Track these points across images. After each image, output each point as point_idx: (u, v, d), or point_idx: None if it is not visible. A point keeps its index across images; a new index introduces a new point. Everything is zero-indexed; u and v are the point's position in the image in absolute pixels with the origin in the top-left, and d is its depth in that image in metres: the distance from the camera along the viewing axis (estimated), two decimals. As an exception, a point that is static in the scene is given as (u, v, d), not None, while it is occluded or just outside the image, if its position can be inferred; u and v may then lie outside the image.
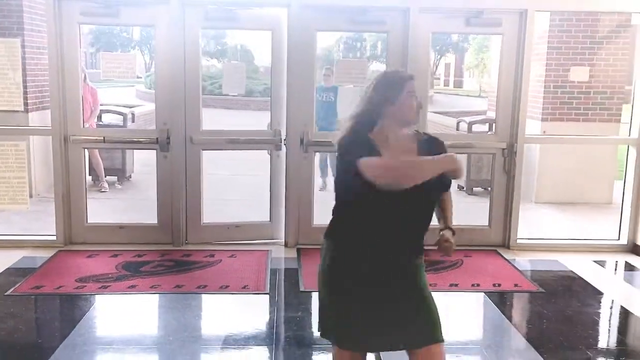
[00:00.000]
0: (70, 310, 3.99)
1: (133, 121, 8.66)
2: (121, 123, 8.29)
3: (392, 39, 5.28)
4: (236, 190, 7.85)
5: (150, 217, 5.49)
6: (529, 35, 5.19)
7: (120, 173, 8.08)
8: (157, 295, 4.25)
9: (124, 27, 33.70)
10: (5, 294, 4.13)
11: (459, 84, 47.01)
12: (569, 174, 7.24)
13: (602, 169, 7.34)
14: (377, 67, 27.76)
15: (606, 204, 7.24)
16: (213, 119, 9.10)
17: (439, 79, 48.85)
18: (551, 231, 6.14)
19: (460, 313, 4.20)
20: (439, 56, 44.96)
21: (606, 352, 3.69)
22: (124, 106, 9.36)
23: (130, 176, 8.33)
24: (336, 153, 2.32)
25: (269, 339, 3.63)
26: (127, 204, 7.19)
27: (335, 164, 2.53)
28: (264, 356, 3.43)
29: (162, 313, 4.07)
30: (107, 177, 7.81)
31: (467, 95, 32.45)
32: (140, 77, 27.95)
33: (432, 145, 2.36)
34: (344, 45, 38.79)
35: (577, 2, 5.61)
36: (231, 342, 3.56)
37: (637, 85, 5.42)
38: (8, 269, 4.64)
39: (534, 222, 6.33)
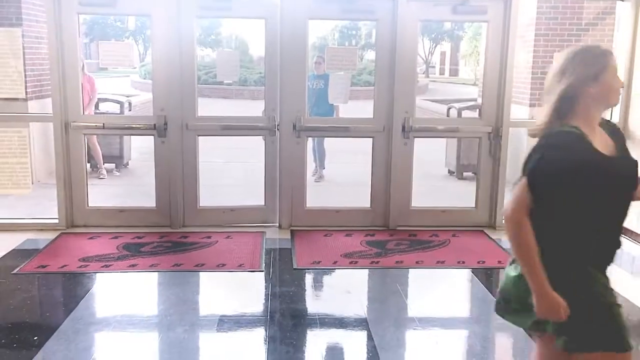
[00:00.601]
0: (74, 287, 4.19)
1: (130, 109, 8.81)
2: (118, 111, 8.45)
3: (381, 27, 5.45)
4: (231, 177, 8.04)
5: (148, 201, 5.68)
6: (514, 22, 5.37)
7: (118, 160, 8.27)
8: (157, 273, 4.45)
9: (118, 17, 33.70)
10: (12, 272, 4.33)
11: (454, 73, 47.09)
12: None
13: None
14: (372, 56, 27.85)
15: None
16: (208, 108, 9.29)
17: (434, 67, 48.93)
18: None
19: (446, 289, 4.41)
20: (434, 45, 45.03)
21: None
22: (121, 95, 9.50)
23: (127, 163, 8.51)
24: (539, 146, 2.05)
25: (264, 312, 3.83)
26: (126, 190, 7.38)
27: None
28: (259, 328, 3.63)
29: (162, 289, 4.27)
30: (105, 164, 7.99)
31: (463, 84, 32.58)
32: (135, 67, 27.98)
33: (614, 130, 2.18)
34: (339, 34, 38.90)
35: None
36: (228, 315, 3.76)
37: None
38: (13, 250, 4.83)
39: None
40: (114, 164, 8.24)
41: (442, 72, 48.78)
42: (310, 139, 6.72)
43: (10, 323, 3.62)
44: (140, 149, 8.80)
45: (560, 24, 7.40)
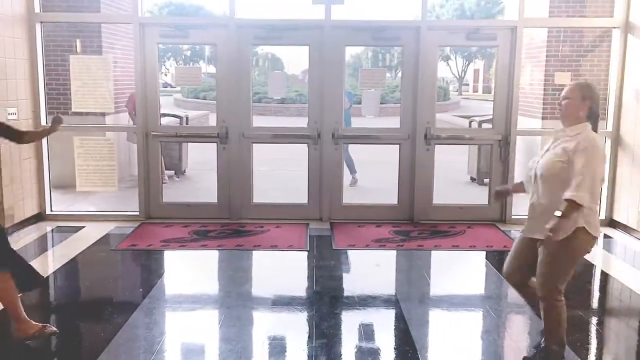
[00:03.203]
0: (161, 259, 5.31)
1: (187, 123, 10.00)
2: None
3: (406, 52, 6.48)
4: (273, 182, 9.13)
5: (208, 198, 6.78)
6: (519, 47, 6.33)
7: (178, 168, 9.46)
8: (223, 251, 5.53)
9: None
10: (111, 249, 5.49)
11: (487, 90, 47.55)
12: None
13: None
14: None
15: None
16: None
17: (468, 85, 49.60)
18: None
19: (457, 264, 5.37)
20: (467, 63, 45.77)
21: (578, 299, 4.77)
22: (181, 111, 10.74)
23: (184, 171, 9.69)
24: None
25: (309, 279, 4.86)
26: (186, 192, 8.55)
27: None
28: (305, 291, 4.65)
29: (228, 262, 5.33)
30: (167, 171, 9.17)
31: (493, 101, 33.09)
32: (175, 87, 29.49)
33: None
34: (372, 53, 40.32)
35: (555, 20, 6.76)
36: (281, 280, 4.81)
37: (611, 86, 6.52)
38: (106, 234, 6.00)
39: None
40: (173, 171, 9.43)
41: (475, 90, 49.36)
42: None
43: (116, 284, 4.75)
44: (195, 159, 10.00)
45: (569, 45, 8.31)
